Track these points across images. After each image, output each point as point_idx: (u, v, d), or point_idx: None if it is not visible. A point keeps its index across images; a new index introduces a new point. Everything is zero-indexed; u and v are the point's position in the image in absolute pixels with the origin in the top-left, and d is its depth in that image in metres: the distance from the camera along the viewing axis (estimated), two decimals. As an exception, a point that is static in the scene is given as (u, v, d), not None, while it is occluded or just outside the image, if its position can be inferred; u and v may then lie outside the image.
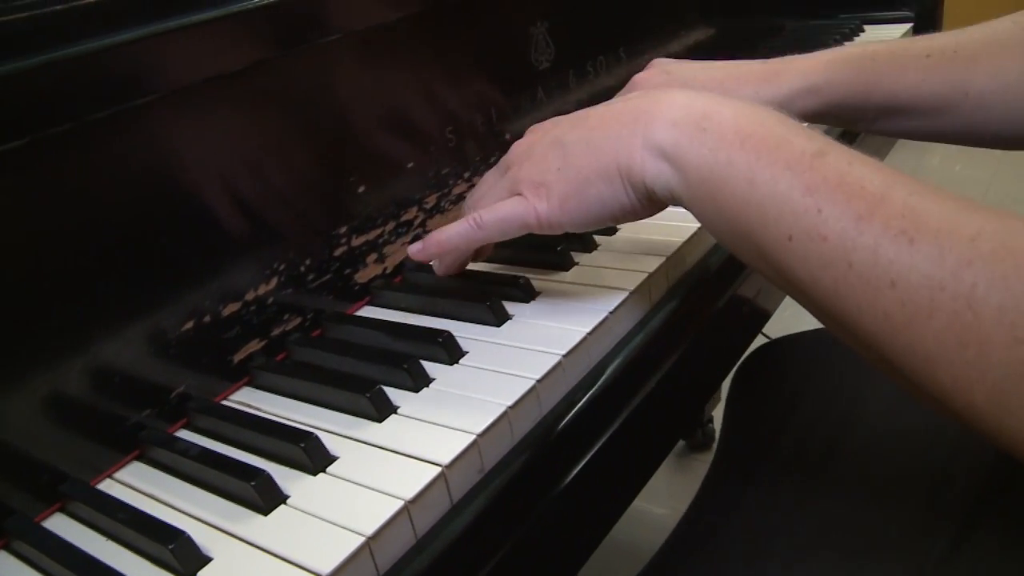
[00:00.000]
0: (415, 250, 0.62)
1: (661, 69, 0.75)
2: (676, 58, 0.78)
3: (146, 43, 0.50)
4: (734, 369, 0.85)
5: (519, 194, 0.56)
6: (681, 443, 1.79)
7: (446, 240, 0.59)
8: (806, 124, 0.48)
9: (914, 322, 0.37)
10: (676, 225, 0.69)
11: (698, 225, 0.69)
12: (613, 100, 0.56)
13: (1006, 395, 0.34)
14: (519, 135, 0.80)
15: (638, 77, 0.75)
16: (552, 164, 0.55)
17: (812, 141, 0.45)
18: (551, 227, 0.55)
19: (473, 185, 0.76)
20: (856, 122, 0.74)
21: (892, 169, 0.43)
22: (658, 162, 0.50)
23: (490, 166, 0.77)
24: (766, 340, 0.88)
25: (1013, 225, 0.36)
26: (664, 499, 1.59)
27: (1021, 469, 0.58)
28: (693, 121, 0.49)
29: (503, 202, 0.57)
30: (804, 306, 0.45)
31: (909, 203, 0.39)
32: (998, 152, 0.72)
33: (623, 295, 0.60)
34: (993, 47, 0.66)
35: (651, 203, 0.53)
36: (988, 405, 0.35)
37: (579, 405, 0.54)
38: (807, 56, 0.72)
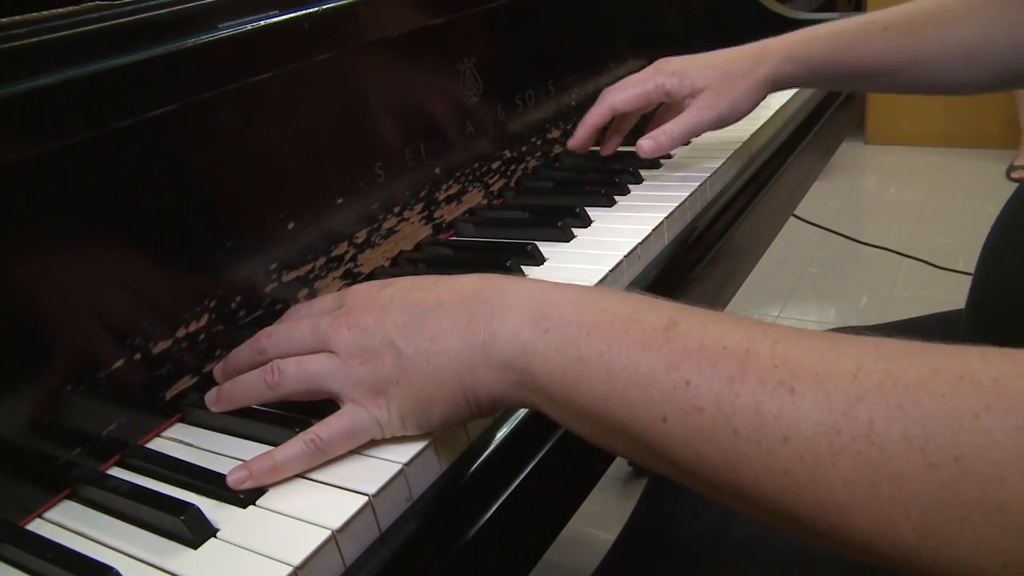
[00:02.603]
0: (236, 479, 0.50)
1: (663, 68, 0.91)
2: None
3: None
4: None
5: (337, 357, 0.51)
6: (628, 469, 1.81)
7: (283, 464, 0.50)
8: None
9: (818, 474, 0.34)
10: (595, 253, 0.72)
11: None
12: (449, 281, 0.52)
13: (935, 524, 0.32)
14: (448, 170, 0.82)
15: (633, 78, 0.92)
16: (389, 373, 0.49)
17: (660, 313, 0.43)
18: (393, 435, 0.51)
19: (404, 220, 0.78)
20: (836, 85, 1.03)
21: (749, 320, 0.41)
22: (506, 376, 0.46)
23: (420, 200, 0.79)
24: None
25: (889, 352, 0.36)
26: (611, 524, 1.60)
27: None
28: (533, 323, 0.45)
29: (344, 419, 0.50)
30: (697, 487, 0.41)
31: (777, 351, 0.38)
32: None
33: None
34: (939, 19, 0.84)
35: (499, 408, 0.50)
36: (919, 540, 0.32)
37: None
38: (788, 34, 0.90)
